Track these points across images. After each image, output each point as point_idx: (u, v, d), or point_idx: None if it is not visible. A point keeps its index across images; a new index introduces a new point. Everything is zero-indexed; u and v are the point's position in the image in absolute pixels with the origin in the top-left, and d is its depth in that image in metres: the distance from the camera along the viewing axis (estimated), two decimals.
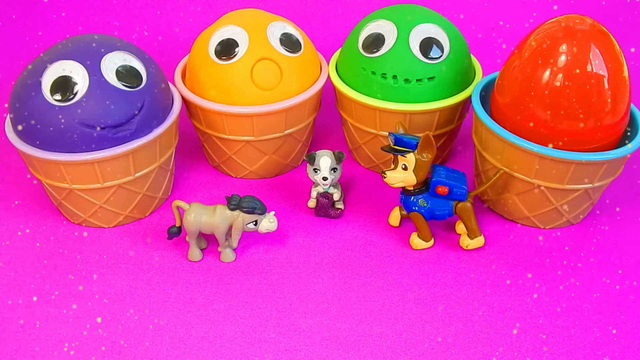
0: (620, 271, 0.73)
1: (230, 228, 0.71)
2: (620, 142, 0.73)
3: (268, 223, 0.71)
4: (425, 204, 0.72)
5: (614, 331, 0.66)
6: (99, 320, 0.67)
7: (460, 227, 0.77)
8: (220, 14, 1.05)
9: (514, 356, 0.63)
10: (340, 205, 0.81)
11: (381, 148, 0.71)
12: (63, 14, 1.24)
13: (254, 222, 0.71)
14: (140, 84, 0.72)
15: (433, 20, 0.80)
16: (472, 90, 0.80)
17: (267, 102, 0.79)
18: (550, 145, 0.69)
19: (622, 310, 0.68)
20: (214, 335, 0.65)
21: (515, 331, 0.65)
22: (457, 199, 0.72)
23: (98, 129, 0.69)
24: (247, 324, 0.66)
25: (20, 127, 0.71)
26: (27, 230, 0.78)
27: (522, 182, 0.74)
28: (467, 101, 0.82)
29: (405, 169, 0.70)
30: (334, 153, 0.76)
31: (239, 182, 0.87)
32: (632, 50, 1.16)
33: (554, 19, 0.71)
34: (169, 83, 0.80)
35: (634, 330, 0.66)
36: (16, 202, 0.83)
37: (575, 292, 0.70)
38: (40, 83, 0.69)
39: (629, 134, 0.73)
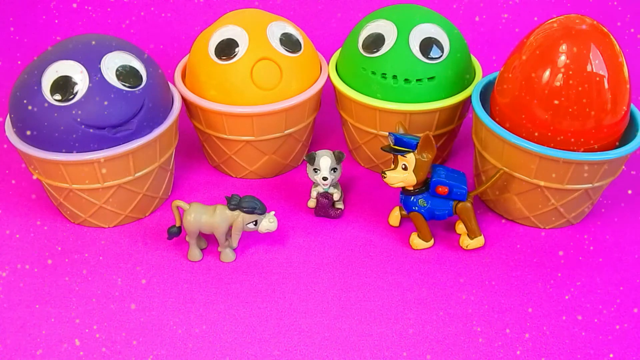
0: (620, 271, 0.73)
1: (230, 228, 0.71)
2: (621, 142, 0.73)
3: (268, 223, 0.71)
4: (425, 204, 0.72)
5: (616, 331, 0.66)
6: (98, 320, 0.67)
7: (460, 227, 0.77)
8: (220, 14, 1.05)
9: (515, 356, 0.63)
10: (340, 205, 0.81)
11: (381, 148, 0.71)
12: (63, 14, 1.24)
13: (254, 222, 0.71)
14: (140, 84, 0.72)
15: (433, 20, 0.80)
16: (472, 90, 0.80)
17: (267, 102, 0.79)
18: (552, 137, 0.69)
19: (622, 310, 0.68)
20: (214, 335, 0.65)
21: (515, 330, 0.65)
22: (457, 199, 0.72)
23: (98, 129, 0.69)
24: (247, 324, 0.66)
25: (20, 127, 0.71)
26: (27, 230, 0.78)
27: (522, 182, 0.74)
28: (467, 101, 0.82)
29: (405, 169, 0.70)
30: (334, 153, 0.76)
31: (239, 182, 0.87)
32: (632, 30, 1.16)
33: (554, 19, 0.71)
34: (169, 83, 0.80)
35: (634, 330, 0.66)
36: (16, 202, 0.83)
37: (576, 292, 0.70)
38: (40, 83, 0.69)
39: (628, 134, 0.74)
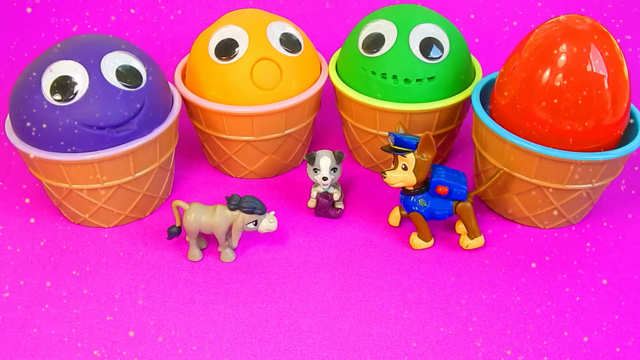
0: (620, 271, 0.73)
1: (230, 228, 0.71)
2: (620, 142, 0.73)
3: (268, 223, 0.71)
4: (425, 204, 0.72)
5: (615, 331, 0.66)
6: (98, 320, 0.67)
7: (460, 227, 0.77)
8: (220, 14, 1.05)
9: (515, 356, 0.63)
10: (340, 205, 0.81)
11: (381, 148, 0.71)
12: (63, 14, 1.24)
13: (254, 222, 0.71)
14: (140, 84, 0.72)
15: (433, 20, 0.80)
16: (472, 90, 0.80)
17: (267, 102, 0.79)
18: (552, 137, 0.69)
19: (622, 310, 0.68)
20: (214, 335, 0.65)
21: (515, 331, 0.65)
22: (457, 199, 0.72)
23: (98, 129, 0.69)
24: (247, 324, 0.66)
25: (20, 127, 0.71)
26: (27, 230, 0.78)
27: (522, 182, 0.74)
28: (467, 101, 0.82)
29: (405, 169, 0.70)
30: (334, 153, 0.76)
31: (239, 182, 0.87)
32: (630, 50, 1.16)
33: (554, 19, 0.71)
34: (169, 83, 0.80)
35: (634, 330, 0.66)
36: (16, 202, 0.83)
37: (576, 292, 0.70)
38: (40, 83, 0.69)
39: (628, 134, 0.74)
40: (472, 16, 1.24)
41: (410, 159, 0.69)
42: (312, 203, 0.81)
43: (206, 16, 1.25)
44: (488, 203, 0.82)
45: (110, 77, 0.70)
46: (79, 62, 0.70)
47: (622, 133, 0.72)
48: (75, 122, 0.68)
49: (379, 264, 0.73)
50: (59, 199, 0.76)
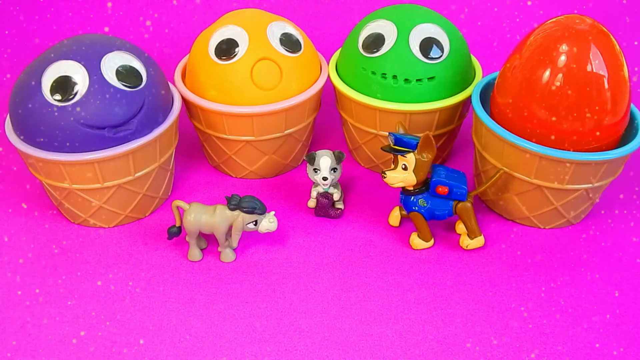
0: (620, 271, 0.73)
1: (230, 228, 0.71)
2: (621, 142, 0.73)
3: (268, 223, 0.71)
4: (425, 204, 0.72)
5: (615, 331, 0.66)
6: (98, 320, 0.67)
7: (460, 227, 0.77)
8: (220, 14, 1.05)
9: (515, 356, 0.63)
10: (340, 205, 0.81)
11: (381, 148, 0.71)
12: (62, 14, 1.24)
13: (254, 222, 0.71)
14: (140, 84, 0.72)
15: (433, 20, 0.80)
16: (472, 90, 0.80)
17: (267, 102, 0.79)
18: (552, 137, 0.69)
19: (622, 310, 0.68)
20: (214, 335, 0.65)
21: (515, 331, 0.65)
22: (457, 199, 0.72)
23: (98, 129, 0.69)
24: (247, 324, 0.66)
25: (20, 127, 0.71)
26: (27, 230, 0.78)
27: (522, 182, 0.74)
28: (467, 101, 0.82)
29: (405, 169, 0.70)
30: (334, 153, 0.76)
31: (239, 182, 0.87)
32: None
33: (554, 19, 0.71)
34: (169, 83, 0.80)
35: (633, 330, 0.66)
36: (16, 202, 0.83)
37: (575, 292, 0.70)
38: (40, 83, 0.69)
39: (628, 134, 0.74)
40: (472, 16, 1.24)
41: (410, 159, 0.69)
42: (312, 203, 0.81)
43: (206, 16, 1.25)
44: (488, 203, 0.82)
45: (110, 77, 0.70)
46: (79, 62, 0.70)
47: (622, 133, 0.72)
48: (75, 122, 0.68)
49: (379, 264, 0.73)
50: (59, 199, 0.76)
